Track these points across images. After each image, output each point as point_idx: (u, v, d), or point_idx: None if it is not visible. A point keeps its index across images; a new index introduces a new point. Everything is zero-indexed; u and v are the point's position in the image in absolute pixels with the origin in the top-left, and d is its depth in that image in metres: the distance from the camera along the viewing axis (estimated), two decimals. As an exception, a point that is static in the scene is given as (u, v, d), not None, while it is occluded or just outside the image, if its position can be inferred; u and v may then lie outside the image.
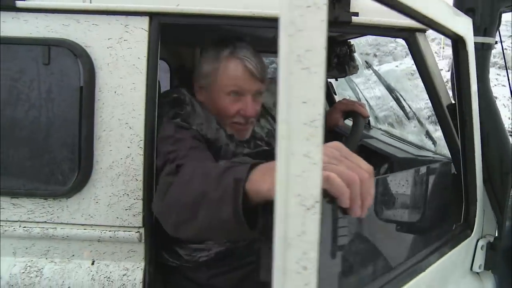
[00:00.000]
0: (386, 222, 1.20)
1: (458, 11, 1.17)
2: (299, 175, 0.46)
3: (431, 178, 1.38)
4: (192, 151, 1.20)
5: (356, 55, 2.09)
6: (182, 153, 1.17)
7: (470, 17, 1.20)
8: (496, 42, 1.30)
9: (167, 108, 1.34)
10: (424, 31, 1.31)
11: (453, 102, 1.34)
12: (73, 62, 1.22)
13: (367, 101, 2.69)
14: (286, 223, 0.46)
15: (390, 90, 2.44)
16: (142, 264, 1.32)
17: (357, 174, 0.67)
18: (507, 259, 1.38)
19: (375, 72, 2.70)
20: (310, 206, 0.47)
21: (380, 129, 2.48)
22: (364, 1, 1.29)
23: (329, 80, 2.80)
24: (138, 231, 1.30)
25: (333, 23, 1.21)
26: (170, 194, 1.04)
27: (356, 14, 1.24)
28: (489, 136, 1.32)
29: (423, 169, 1.32)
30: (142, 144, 1.27)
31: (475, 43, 1.20)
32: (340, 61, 2.05)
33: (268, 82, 1.46)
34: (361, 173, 0.68)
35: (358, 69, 2.14)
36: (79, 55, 1.22)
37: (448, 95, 1.36)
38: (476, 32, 1.23)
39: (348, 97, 2.89)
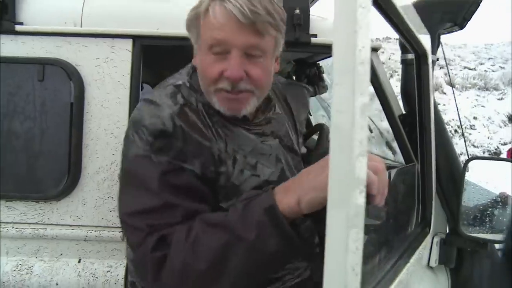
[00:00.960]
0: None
1: (421, 27, 1.33)
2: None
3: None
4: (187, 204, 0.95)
5: (325, 75, 2.27)
6: (168, 220, 0.92)
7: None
8: (437, 59, 1.48)
9: (145, 134, 0.98)
10: (376, 50, 1.49)
11: (403, 112, 1.51)
12: (64, 79, 1.38)
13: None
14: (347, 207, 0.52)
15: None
16: (124, 262, 1.46)
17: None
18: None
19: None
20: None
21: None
22: (323, 24, 1.47)
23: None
24: (121, 231, 1.43)
25: (293, 44, 1.40)
26: (170, 269, 0.88)
27: (315, 35, 1.42)
28: (437, 143, 1.49)
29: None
30: (125, 151, 1.42)
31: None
32: (309, 81, 2.23)
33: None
34: (379, 164, 0.75)
35: (327, 89, 2.31)
36: (70, 73, 1.38)
37: (399, 106, 1.53)
38: (417, 51, 1.41)
39: (322, 116, 3.09)
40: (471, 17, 1.38)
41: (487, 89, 17.71)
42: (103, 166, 1.42)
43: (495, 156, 11.74)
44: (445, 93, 16.99)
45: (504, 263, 1.50)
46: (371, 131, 2.09)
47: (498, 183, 1.42)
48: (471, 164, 1.45)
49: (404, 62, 1.48)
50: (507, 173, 1.34)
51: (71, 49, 1.40)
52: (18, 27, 1.38)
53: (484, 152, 12.90)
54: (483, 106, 16.32)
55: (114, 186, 1.43)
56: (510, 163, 1.36)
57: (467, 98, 17.07)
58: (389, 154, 1.99)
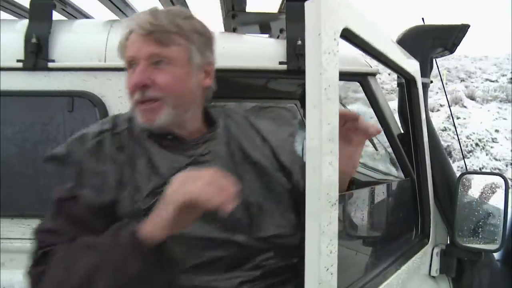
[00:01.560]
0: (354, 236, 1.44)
1: (409, 55, 1.45)
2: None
3: (389, 195, 1.64)
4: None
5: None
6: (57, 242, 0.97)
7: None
8: (431, 82, 1.60)
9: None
10: (374, 75, 1.62)
11: (402, 131, 1.62)
12: (91, 109, 1.54)
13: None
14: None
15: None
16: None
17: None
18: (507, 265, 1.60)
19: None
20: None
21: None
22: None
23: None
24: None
25: (297, 72, 1.54)
26: (46, 284, 0.91)
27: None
28: (433, 159, 1.59)
29: (381, 188, 1.59)
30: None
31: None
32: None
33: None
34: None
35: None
36: (96, 104, 1.54)
37: (397, 126, 1.64)
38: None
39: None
40: (460, 41, 1.49)
41: (509, 101, 17.52)
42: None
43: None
44: (465, 107, 16.86)
45: (502, 271, 1.58)
46: (376, 149, 2.20)
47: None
48: (467, 177, 1.54)
49: (399, 85, 1.60)
50: (499, 186, 1.44)
51: (97, 82, 1.56)
52: (50, 64, 1.55)
53: (506, 165, 12.72)
54: (504, 119, 16.12)
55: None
56: (501, 177, 1.45)
57: (489, 111, 16.88)
58: (392, 170, 2.09)
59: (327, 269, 0.67)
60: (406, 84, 1.49)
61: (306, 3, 0.75)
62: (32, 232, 1.04)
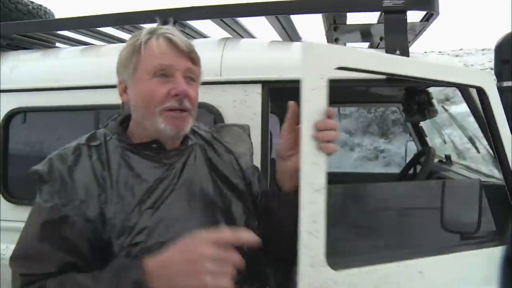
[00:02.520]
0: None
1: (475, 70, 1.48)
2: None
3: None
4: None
5: (434, 100, 2.42)
6: (43, 271, 0.96)
7: (506, 66, 1.53)
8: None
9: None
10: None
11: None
12: (210, 118, 1.76)
13: (451, 139, 2.96)
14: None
15: (463, 129, 2.72)
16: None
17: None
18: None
19: (450, 114, 2.98)
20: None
21: (460, 163, 2.74)
22: (424, 59, 1.68)
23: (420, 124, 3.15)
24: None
25: (394, 79, 1.62)
26: None
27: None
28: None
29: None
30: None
31: (511, 86, 1.52)
32: (419, 106, 2.40)
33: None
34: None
35: (437, 112, 2.45)
36: (213, 113, 1.75)
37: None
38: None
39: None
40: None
41: None
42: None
43: None
44: None
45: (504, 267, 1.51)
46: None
47: None
48: None
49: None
50: None
51: (213, 94, 1.77)
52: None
53: None
54: None
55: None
56: None
57: None
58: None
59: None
60: (478, 94, 1.52)
61: (301, 45, 1.06)
62: (11, 260, 0.99)
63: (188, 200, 1.11)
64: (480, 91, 1.49)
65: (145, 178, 1.09)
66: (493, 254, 1.46)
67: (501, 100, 1.57)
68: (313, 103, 1.05)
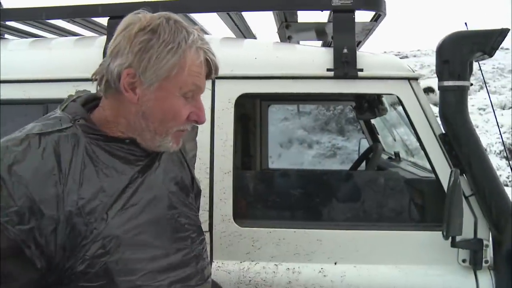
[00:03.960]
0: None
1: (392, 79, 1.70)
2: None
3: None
4: None
5: (384, 99, 2.51)
6: None
7: (446, 66, 1.61)
8: (471, 84, 1.67)
9: None
10: (416, 79, 1.73)
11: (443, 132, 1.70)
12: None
13: (401, 137, 3.08)
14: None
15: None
16: None
17: None
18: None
19: (400, 114, 3.11)
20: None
21: (408, 160, 2.86)
22: (371, 59, 1.74)
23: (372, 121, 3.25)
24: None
25: (342, 77, 1.68)
26: None
27: (361, 69, 1.69)
28: (471, 158, 1.65)
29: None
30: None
31: (450, 85, 1.60)
32: (370, 105, 2.48)
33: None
34: None
35: (387, 110, 2.54)
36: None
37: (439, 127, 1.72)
38: (451, 77, 1.61)
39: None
40: (499, 46, 1.57)
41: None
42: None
43: None
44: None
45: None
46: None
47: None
48: None
49: (440, 88, 1.68)
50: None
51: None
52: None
53: None
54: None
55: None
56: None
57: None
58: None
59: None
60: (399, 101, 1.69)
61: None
62: None
63: (153, 206, 1.03)
64: (398, 98, 1.62)
65: (112, 184, 0.97)
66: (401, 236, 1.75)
67: (443, 99, 1.65)
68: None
